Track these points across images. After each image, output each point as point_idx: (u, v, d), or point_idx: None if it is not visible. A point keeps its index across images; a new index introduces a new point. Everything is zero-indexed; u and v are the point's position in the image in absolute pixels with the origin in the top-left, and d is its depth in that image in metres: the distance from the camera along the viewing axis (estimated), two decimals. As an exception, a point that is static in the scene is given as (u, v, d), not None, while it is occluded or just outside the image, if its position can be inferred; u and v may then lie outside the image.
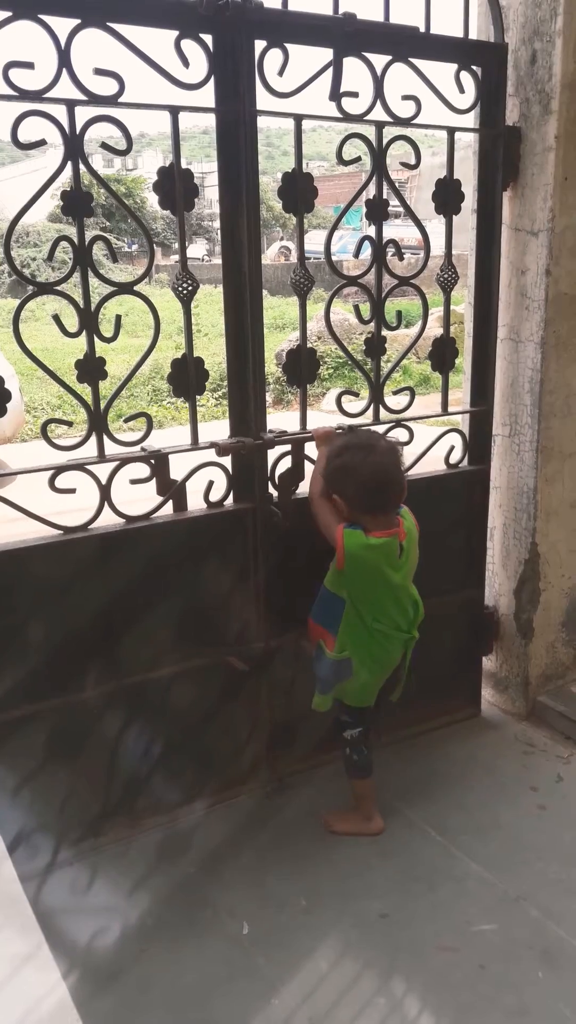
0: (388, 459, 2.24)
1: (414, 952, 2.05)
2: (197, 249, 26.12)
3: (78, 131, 1.97)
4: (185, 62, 2.07)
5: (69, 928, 2.09)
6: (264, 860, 2.34)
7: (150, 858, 2.34)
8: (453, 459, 2.82)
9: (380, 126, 2.38)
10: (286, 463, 2.46)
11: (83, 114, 1.97)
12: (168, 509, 2.33)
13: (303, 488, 2.48)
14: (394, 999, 1.92)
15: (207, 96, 2.16)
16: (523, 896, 2.20)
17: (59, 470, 2.12)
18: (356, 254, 2.58)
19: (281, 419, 8.26)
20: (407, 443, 2.56)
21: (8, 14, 1.83)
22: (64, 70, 1.92)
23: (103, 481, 2.20)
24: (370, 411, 2.59)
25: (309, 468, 2.47)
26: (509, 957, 2.03)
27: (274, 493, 2.44)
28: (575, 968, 1.99)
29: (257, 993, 1.93)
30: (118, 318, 2.13)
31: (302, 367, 2.43)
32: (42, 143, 1.87)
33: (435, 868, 2.31)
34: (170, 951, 2.05)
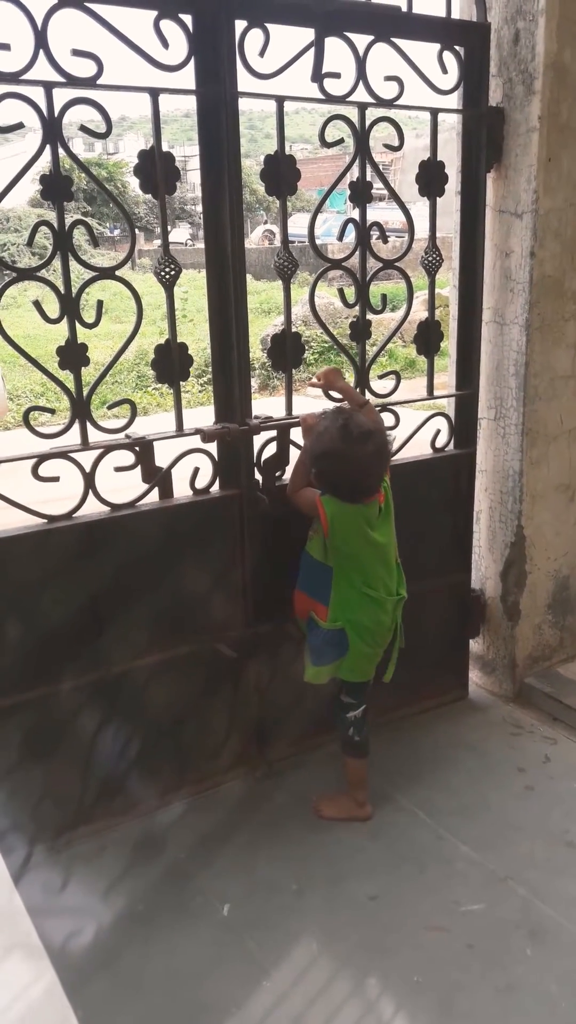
0: (369, 467, 2.18)
1: (404, 933, 2.06)
2: (180, 233, 25.87)
3: (56, 114, 1.94)
4: (164, 43, 2.04)
5: (59, 916, 2.10)
6: (255, 845, 2.35)
7: (139, 845, 2.34)
8: (439, 443, 2.82)
9: (363, 108, 2.36)
10: (272, 449, 2.45)
11: (61, 96, 1.94)
12: (154, 496, 2.32)
13: (289, 474, 2.47)
14: (385, 979, 1.94)
15: (187, 78, 2.13)
16: (511, 876, 2.22)
17: (42, 458, 2.10)
18: (340, 237, 2.57)
19: (267, 404, 8.23)
20: (393, 427, 2.55)
21: (-17, -6, 1.80)
22: (41, 51, 1.89)
23: (87, 469, 2.18)
24: (356, 395, 2.58)
25: (295, 453, 2.46)
26: (497, 936, 2.05)
27: (260, 479, 2.43)
28: (562, 945, 2.02)
29: (249, 976, 1.95)
30: (100, 303, 2.12)
31: (287, 352, 2.42)
32: (19, 126, 1.84)
33: (424, 850, 2.32)
34: (161, 937, 2.05)
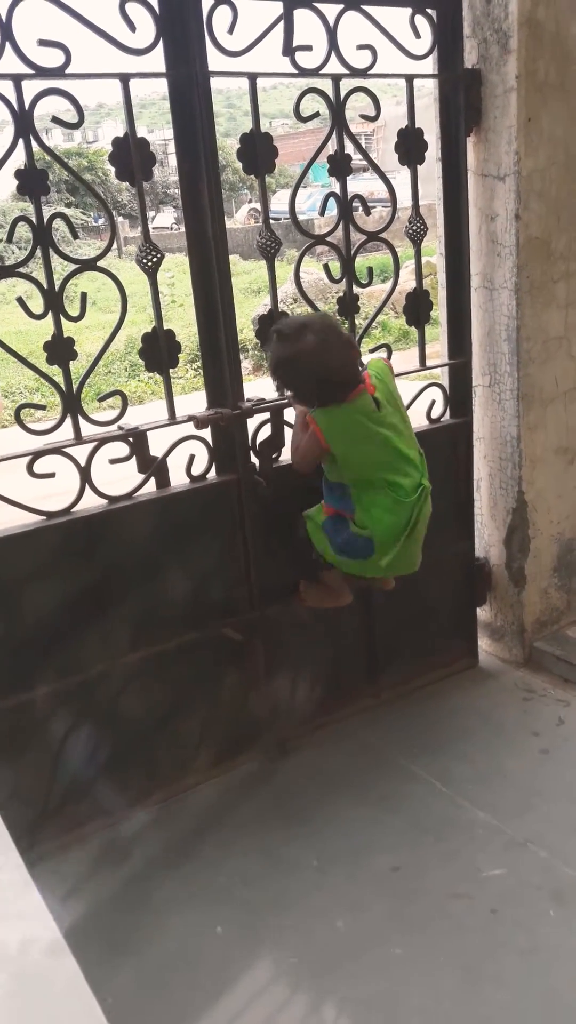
0: (322, 357, 2.12)
1: (427, 902, 2.09)
2: (165, 218, 25.65)
3: (27, 107, 1.92)
4: (132, 26, 2.02)
5: (73, 906, 2.12)
6: (271, 824, 2.37)
7: (159, 829, 2.37)
8: (435, 413, 2.81)
9: (336, 79, 2.33)
10: (267, 431, 2.44)
11: (31, 88, 1.92)
12: (151, 486, 2.32)
13: (285, 455, 2.47)
14: (411, 949, 1.96)
15: (158, 60, 2.11)
16: (530, 839, 2.24)
17: (36, 455, 2.10)
18: (322, 212, 2.54)
19: (262, 386, 8.21)
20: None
21: (-57, -12, 1.78)
22: (7, 43, 1.87)
23: (82, 463, 2.18)
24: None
25: (289, 434, 2.45)
26: (520, 899, 2.07)
27: (256, 462, 2.43)
28: (585, 905, 2.03)
29: (276, 956, 1.97)
30: (83, 296, 2.10)
31: (275, 332, 2.40)
32: (-10, 121, 1.82)
33: (443, 819, 2.34)
34: (186, 920, 2.08)
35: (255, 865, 2.23)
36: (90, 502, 2.22)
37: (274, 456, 2.45)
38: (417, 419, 2.76)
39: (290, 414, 2.42)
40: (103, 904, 2.14)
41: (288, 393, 2.31)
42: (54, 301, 2.04)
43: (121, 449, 2.24)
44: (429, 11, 2.48)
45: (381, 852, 2.24)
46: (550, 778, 2.47)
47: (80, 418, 2.16)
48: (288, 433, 2.43)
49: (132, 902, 2.14)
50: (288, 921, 2.06)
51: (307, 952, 1.97)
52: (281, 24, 2.20)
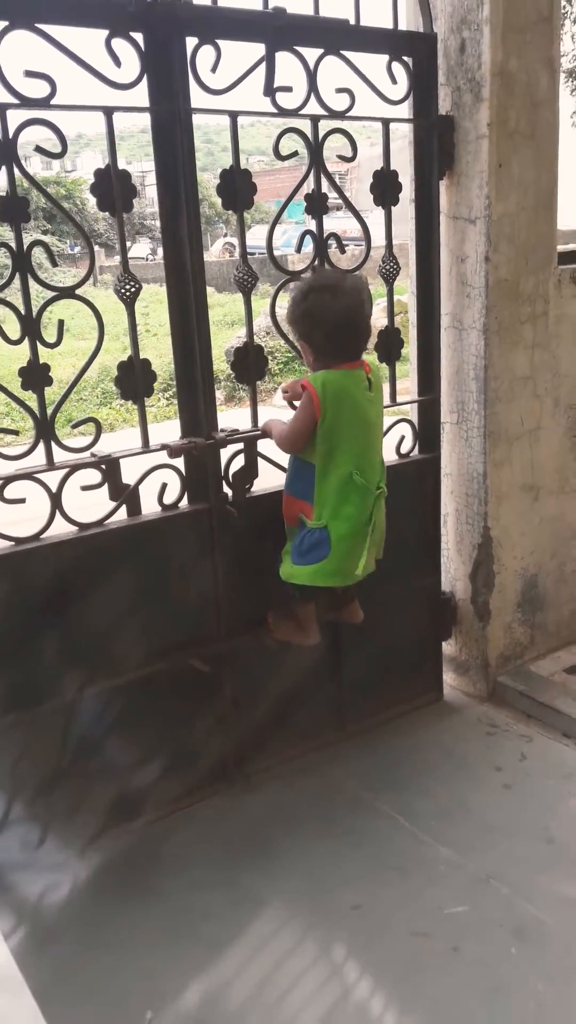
0: (355, 300, 2.19)
1: (388, 940, 2.07)
2: (141, 248, 25.83)
3: (10, 135, 1.94)
4: (117, 61, 2.05)
5: (35, 948, 2.07)
6: (235, 858, 2.34)
7: (120, 864, 2.33)
8: (404, 448, 2.85)
9: (315, 120, 2.39)
10: (240, 461, 2.45)
11: (15, 118, 1.94)
12: (122, 514, 2.31)
13: (258, 486, 2.48)
14: (371, 989, 1.94)
15: (141, 95, 2.15)
16: (492, 876, 2.24)
17: (7, 480, 2.08)
18: (298, 249, 2.58)
19: (234, 416, 8.23)
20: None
21: None
22: (-7, 73, 1.89)
23: (53, 489, 2.17)
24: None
25: (263, 466, 2.47)
26: (482, 937, 2.06)
27: (229, 492, 2.43)
28: (546, 943, 2.03)
29: (238, 996, 1.93)
30: (60, 323, 2.11)
31: (251, 366, 2.43)
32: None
33: (406, 855, 2.33)
34: (138, 959, 2.03)
35: (218, 900, 2.20)
36: (60, 528, 2.21)
37: (247, 486, 2.46)
38: (387, 454, 2.78)
39: (263, 446, 2.43)
40: (61, 941, 2.09)
41: (300, 331, 2.26)
42: (31, 327, 2.05)
43: (93, 476, 2.23)
44: (405, 59, 2.56)
45: (344, 888, 2.22)
46: (512, 813, 2.48)
47: (52, 444, 2.16)
48: (261, 464, 2.45)
49: (91, 939, 2.09)
50: (250, 961, 2.03)
51: (268, 992, 1.94)
52: (263, 65, 2.26)
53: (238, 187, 2.29)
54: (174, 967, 2.01)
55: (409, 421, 2.89)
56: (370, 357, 2.34)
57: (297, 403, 2.47)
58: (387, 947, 2.05)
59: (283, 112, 2.32)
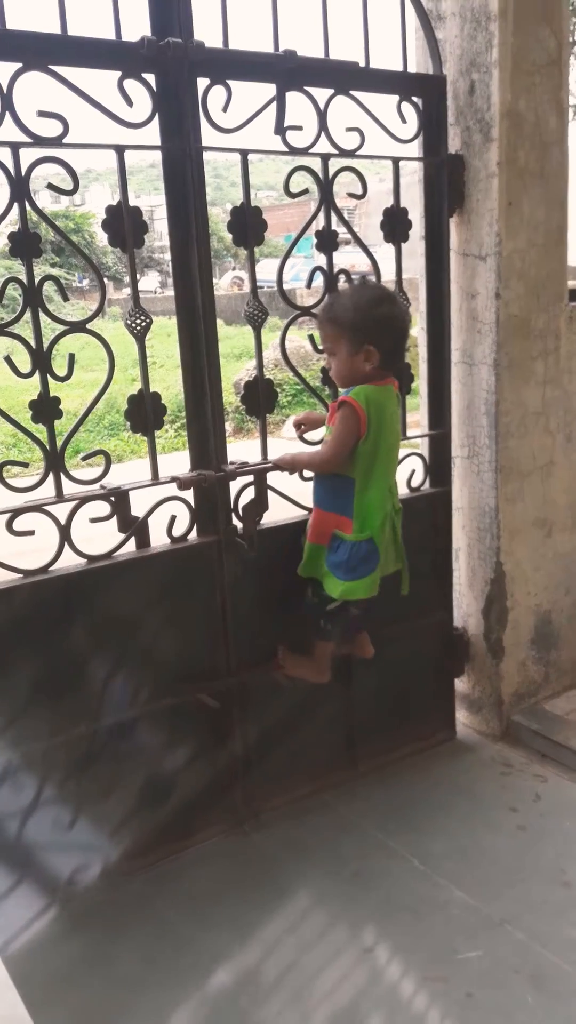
0: (407, 314, 2.33)
1: (402, 985, 2.01)
2: (149, 282, 26.17)
3: (23, 173, 1.96)
4: (129, 101, 2.08)
5: (47, 986, 2.02)
6: (246, 899, 2.29)
7: (129, 905, 2.28)
8: (415, 482, 2.84)
9: (325, 158, 2.41)
10: (250, 494, 2.44)
11: (28, 156, 1.97)
12: (131, 546, 2.30)
13: (267, 518, 2.47)
14: (384, 1036, 1.89)
15: (152, 133, 2.17)
16: (507, 919, 2.18)
17: (16, 513, 2.08)
18: (308, 284, 2.60)
19: (243, 448, 8.26)
20: None
21: (-52, 59, 1.83)
22: (7, 113, 1.92)
23: (62, 521, 2.16)
24: (330, 438, 2.59)
25: (272, 498, 2.46)
26: (497, 983, 2.00)
27: (238, 525, 2.42)
28: (563, 990, 1.97)
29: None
30: (71, 357, 2.11)
31: (260, 398, 2.43)
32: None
33: (419, 897, 2.28)
34: (155, 999, 1.99)
35: (228, 941, 2.15)
36: (69, 560, 2.20)
37: (256, 519, 2.44)
38: (398, 487, 2.78)
39: (273, 478, 2.43)
40: (69, 982, 2.05)
41: (365, 335, 2.22)
42: (42, 361, 2.06)
43: (102, 508, 2.23)
44: (415, 99, 2.59)
45: (356, 930, 2.17)
46: (527, 856, 2.42)
47: (62, 476, 2.15)
48: (271, 496, 2.44)
49: (99, 980, 2.05)
50: (260, 1005, 1.98)
51: (277, 1039, 1.89)
52: (274, 104, 2.28)
53: (248, 224, 2.31)
54: (184, 1009, 1.96)
55: (420, 455, 2.88)
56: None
57: (311, 436, 2.47)
58: (401, 992, 1.99)
59: (294, 151, 2.34)
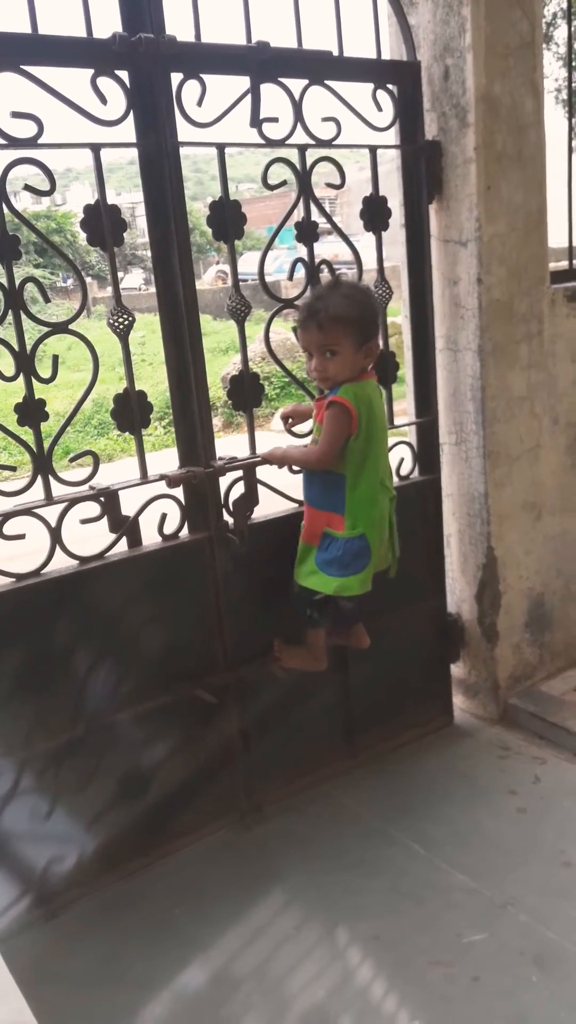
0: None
1: (408, 971, 2.03)
2: (133, 279, 26.04)
3: (-1, 174, 1.95)
4: (103, 99, 2.07)
5: (50, 983, 2.03)
6: (250, 892, 2.30)
7: (132, 902, 2.29)
8: (404, 470, 2.84)
9: (303, 149, 2.40)
10: (240, 489, 2.44)
11: (3, 157, 1.96)
12: (122, 546, 2.30)
13: (258, 513, 2.47)
14: (394, 1021, 1.90)
15: (128, 131, 2.16)
16: (510, 902, 2.20)
17: (6, 517, 2.07)
18: (290, 276, 2.59)
19: (232, 442, 8.25)
20: None
21: None
22: (-20, 115, 1.90)
23: (53, 524, 2.16)
24: (317, 430, 2.59)
25: (263, 492, 2.46)
26: (502, 965, 2.02)
27: (229, 520, 2.42)
28: (568, 970, 1.99)
29: (253, 1031, 1.90)
30: (55, 358, 2.11)
31: (246, 393, 2.43)
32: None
33: (422, 883, 2.29)
34: (157, 1000, 2.00)
35: (232, 935, 2.16)
36: (61, 562, 2.19)
37: (247, 514, 2.45)
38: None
39: (262, 472, 2.43)
40: (76, 981, 2.06)
41: (343, 351, 2.20)
42: (26, 364, 2.05)
43: (92, 509, 2.22)
44: (390, 87, 2.58)
45: (360, 920, 2.19)
46: (528, 838, 2.44)
47: (51, 478, 2.15)
48: (261, 491, 2.44)
49: (105, 979, 2.06)
50: (267, 996, 1.99)
51: (285, 1029, 1.90)
52: (249, 97, 2.27)
53: (228, 218, 2.30)
54: (190, 1006, 1.97)
55: (408, 443, 2.89)
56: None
57: (298, 429, 2.47)
58: (407, 978, 2.01)
59: (270, 143, 2.34)
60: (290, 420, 2.49)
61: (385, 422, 2.42)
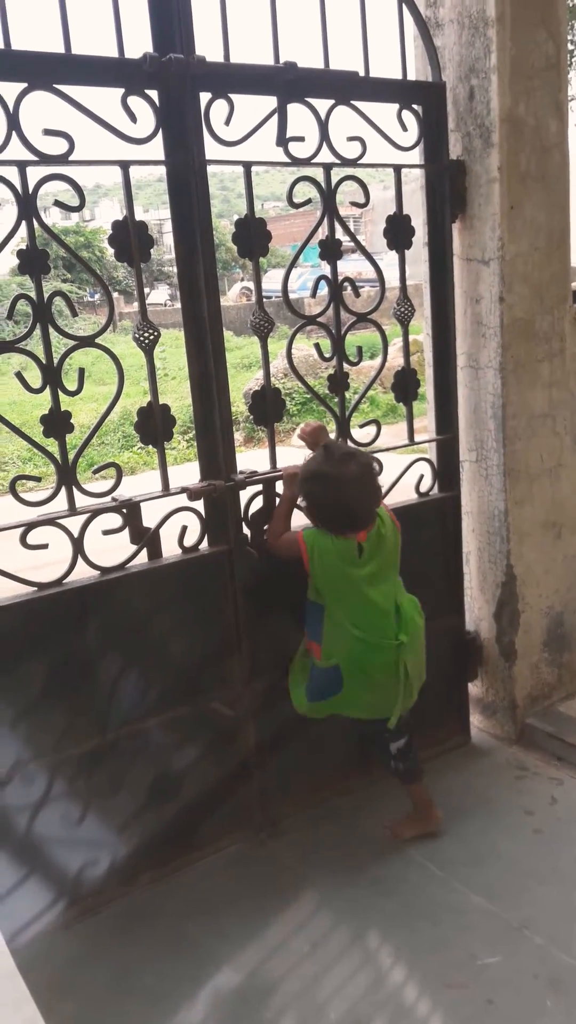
0: (354, 491, 2.22)
1: (422, 992, 2.01)
2: (159, 295, 26.28)
3: (30, 191, 1.99)
4: (132, 117, 2.11)
5: (64, 995, 2.03)
6: (264, 908, 2.29)
7: (147, 914, 2.29)
8: (423, 487, 2.84)
9: (328, 168, 2.43)
10: (259, 503, 2.46)
11: (35, 173, 1.99)
12: (143, 557, 2.32)
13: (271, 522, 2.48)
14: (404, 1042, 1.89)
15: (157, 149, 2.20)
16: (525, 924, 2.18)
17: (30, 527, 2.10)
18: (313, 294, 2.61)
19: (253, 457, 8.27)
20: (378, 474, 2.57)
21: (-46, 82, 1.86)
22: (14, 132, 1.94)
23: (75, 534, 2.18)
24: (338, 446, 2.59)
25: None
26: (516, 989, 2.00)
27: (248, 533, 2.44)
28: (584, 994, 1.97)
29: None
30: (81, 371, 2.14)
31: (268, 408, 2.45)
32: (-6, 203, 1.88)
33: (437, 903, 2.28)
34: (176, 1010, 1.99)
35: (247, 951, 2.15)
36: (82, 572, 2.22)
37: (266, 527, 2.46)
38: (406, 492, 2.79)
39: (282, 487, 2.44)
40: (90, 994, 2.06)
41: (301, 502, 2.32)
42: (52, 376, 2.08)
43: (114, 520, 2.25)
44: (415, 107, 2.61)
45: (375, 938, 2.17)
46: (544, 859, 2.42)
47: (74, 489, 2.18)
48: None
49: (119, 992, 2.06)
50: (280, 1013, 1.98)
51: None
52: (275, 116, 2.31)
53: (253, 236, 2.33)
54: (203, 1021, 1.96)
55: (428, 460, 2.89)
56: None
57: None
58: (421, 999, 1.99)
59: (296, 161, 2.36)
60: (309, 439, 2.47)
61: (354, 580, 2.26)
